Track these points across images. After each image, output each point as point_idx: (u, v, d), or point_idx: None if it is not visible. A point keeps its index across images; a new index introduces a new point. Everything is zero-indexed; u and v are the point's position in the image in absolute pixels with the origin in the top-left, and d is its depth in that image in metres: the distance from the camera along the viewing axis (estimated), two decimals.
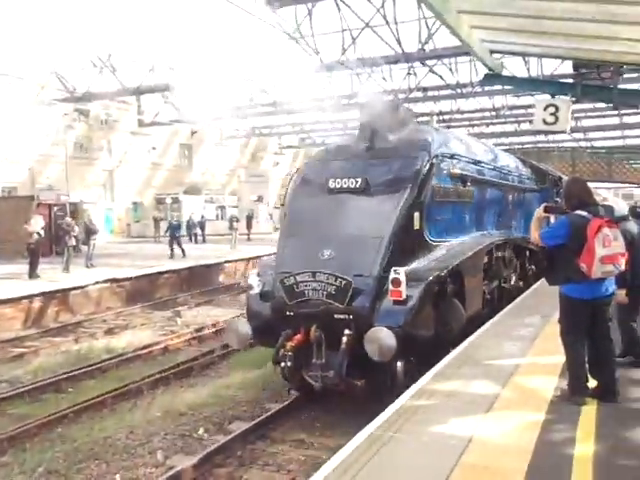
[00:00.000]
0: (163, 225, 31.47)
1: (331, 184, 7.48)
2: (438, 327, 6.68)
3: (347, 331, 6.35)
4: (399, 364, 6.40)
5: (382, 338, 6.05)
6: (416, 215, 7.14)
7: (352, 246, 6.75)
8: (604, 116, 37.14)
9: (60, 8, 48.90)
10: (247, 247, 24.66)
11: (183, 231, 26.21)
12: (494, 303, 9.18)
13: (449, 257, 7.35)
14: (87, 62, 28.36)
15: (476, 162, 9.23)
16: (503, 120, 36.99)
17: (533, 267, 12.19)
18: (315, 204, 7.56)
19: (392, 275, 6.33)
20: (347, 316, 6.47)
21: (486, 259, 8.68)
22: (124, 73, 30.51)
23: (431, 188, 7.45)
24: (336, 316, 6.50)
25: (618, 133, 44.15)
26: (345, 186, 7.38)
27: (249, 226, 31.81)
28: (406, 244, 6.97)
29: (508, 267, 10.10)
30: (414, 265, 6.85)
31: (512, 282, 10.33)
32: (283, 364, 6.57)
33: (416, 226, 7.16)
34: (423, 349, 6.58)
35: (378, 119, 7.69)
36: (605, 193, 50.69)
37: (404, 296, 6.31)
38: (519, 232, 11.32)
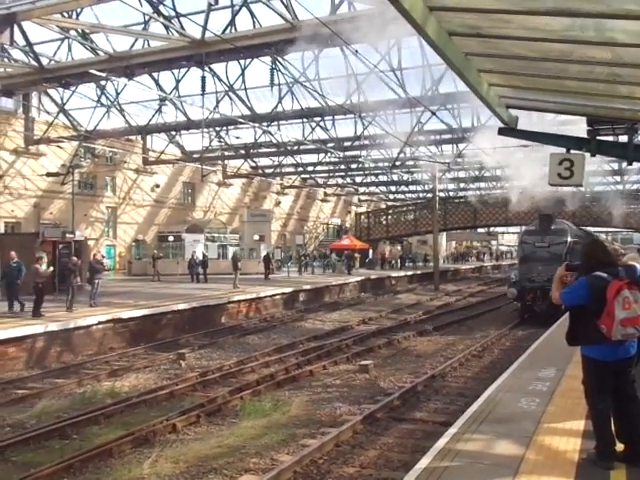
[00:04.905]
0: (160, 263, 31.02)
1: (536, 244, 20.58)
2: None
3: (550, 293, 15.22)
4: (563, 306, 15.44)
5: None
6: (567, 256, 18.75)
7: (549, 266, 16.80)
8: (603, 162, 37.51)
9: None
10: (255, 288, 24.53)
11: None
12: None
13: None
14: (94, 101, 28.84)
15: (573, 234, 21.39)
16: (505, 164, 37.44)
17: None
18: (531, 250, 20.67)
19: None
20: (550, 288, 14.89)
21: None
22: (131, 111, 30.98)
23: (570, 247, 19.91)
24: (546, 288, 15.29)
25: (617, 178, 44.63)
26: (541, 245, 20.47)
27: (267, 266, 30.77)
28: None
29: None
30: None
31: None
32: (527, 302, 19.93)
33: (568, 259, 17.25)
34: None
35: (546, 220, 21.16)
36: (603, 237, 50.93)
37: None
38: None
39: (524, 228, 24.38)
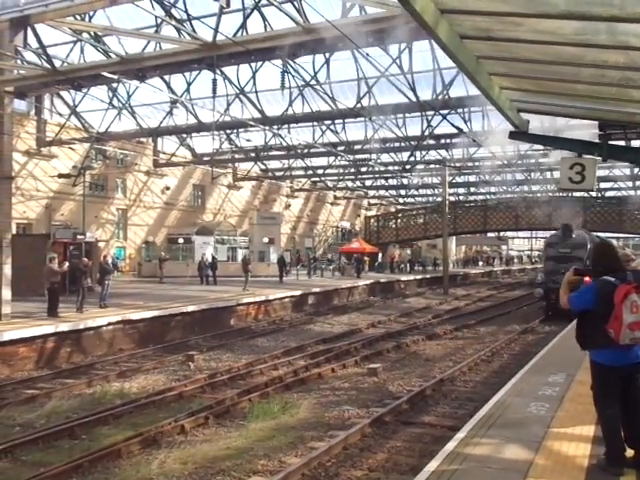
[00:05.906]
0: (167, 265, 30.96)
1: (560, 250, 22.77)
2: None
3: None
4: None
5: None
6: (587, 261, 16.73)
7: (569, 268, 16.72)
8: (614, 167, 37.31)
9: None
10: (264, 290, 24.55)
11: None
12: None
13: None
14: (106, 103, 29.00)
15: (592, 241, 22.39)
16: (514, 169, 37.33)
17: None
18: (555, 255, 22.91)
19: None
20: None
21: None
22: (142, 114, 31.14)
23: (589, 252, 19.43)
24: None
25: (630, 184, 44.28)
26: (564, 250, 22.50)
27: (282, 269, 30.56)
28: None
29: None
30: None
31: None
32: (551, 301, 20.63)
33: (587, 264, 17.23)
34: None
35: (568, 229, 23.38)
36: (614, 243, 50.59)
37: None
38: None
39: (548, 235, 27.43)
